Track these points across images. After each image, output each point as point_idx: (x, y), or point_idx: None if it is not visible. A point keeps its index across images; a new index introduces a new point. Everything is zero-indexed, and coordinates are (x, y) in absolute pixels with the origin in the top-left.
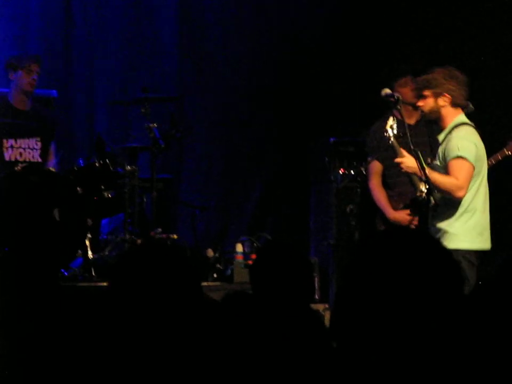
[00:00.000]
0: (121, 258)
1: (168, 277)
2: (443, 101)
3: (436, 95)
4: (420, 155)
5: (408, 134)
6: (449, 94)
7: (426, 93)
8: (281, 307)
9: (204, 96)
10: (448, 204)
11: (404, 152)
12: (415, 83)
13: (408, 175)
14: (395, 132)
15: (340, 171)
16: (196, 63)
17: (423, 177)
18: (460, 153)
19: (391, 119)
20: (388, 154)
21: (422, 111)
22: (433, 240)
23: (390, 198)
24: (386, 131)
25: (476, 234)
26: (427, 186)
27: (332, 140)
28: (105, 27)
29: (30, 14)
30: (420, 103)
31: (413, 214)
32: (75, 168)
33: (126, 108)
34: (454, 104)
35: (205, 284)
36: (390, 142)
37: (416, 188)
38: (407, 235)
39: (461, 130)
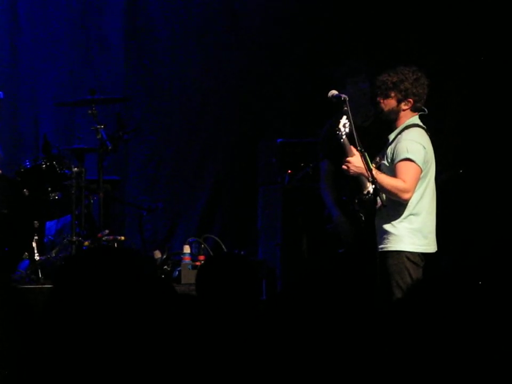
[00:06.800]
0: (66, 262)
1: (115, 282)
2: (405, 105)
3: (401, 99)
4: (367, 155)
5: (355, 135)
6: (413, 100)
7: (392, 93)
8: (225, 311)
9: (151, 98)
10: (394, 205)
11: (354, 151)
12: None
13: (356, 176)
14: (347, 130)
15: (287, 172)
16: (142, 64)
17: (370, 178)
18: (408, 156)
19: (344, 117)
20: (338, 155)
21: (381, 109)
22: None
23: (339, 199)
24: (339, 130)
25: (420, 237)
26: (373, 187)
27: (279, 141)
28: (51, 28)
29: None
30: (382, 102)
31: (359, 214)
32: (21, 169)
33: (73, 109)
34: (414, 109)
35: None
36: (342, 140)
37: (363, 188)
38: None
39: (411, 132)
